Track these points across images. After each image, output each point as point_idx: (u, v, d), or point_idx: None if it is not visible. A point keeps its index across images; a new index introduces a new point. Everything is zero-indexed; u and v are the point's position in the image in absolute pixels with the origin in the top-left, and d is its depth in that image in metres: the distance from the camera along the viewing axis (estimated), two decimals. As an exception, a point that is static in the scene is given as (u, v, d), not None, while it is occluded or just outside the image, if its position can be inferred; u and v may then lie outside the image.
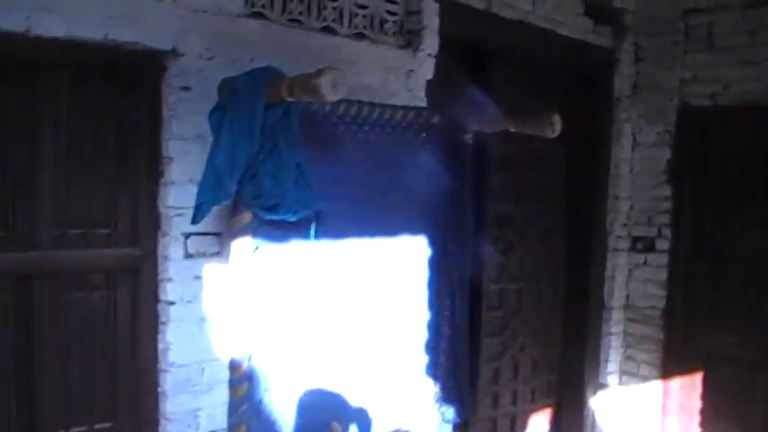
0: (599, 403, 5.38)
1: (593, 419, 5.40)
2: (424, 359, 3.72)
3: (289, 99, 2.63)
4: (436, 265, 3.67)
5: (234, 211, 2.95)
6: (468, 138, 3.60)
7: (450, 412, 3.81)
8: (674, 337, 5.18)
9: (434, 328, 3.72)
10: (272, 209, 2.85)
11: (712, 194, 5.03)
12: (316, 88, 2.46)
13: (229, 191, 2.75)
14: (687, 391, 5.14)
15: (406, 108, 3.50)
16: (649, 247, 5.25)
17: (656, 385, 5.24)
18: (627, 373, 5.42)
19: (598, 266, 5.27)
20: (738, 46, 4.81)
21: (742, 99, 4.81)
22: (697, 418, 5.10)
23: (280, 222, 2.93)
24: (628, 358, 5.41)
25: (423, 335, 3.70)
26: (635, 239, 5.33)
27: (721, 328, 5.02)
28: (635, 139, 5.30)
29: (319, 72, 2.47)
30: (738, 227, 4.94)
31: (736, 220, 4.94)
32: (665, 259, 5.19)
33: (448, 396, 3.79)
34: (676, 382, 5.17)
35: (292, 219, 2.90)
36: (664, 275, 5.20)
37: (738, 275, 4.95)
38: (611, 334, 5.35)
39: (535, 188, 5.18)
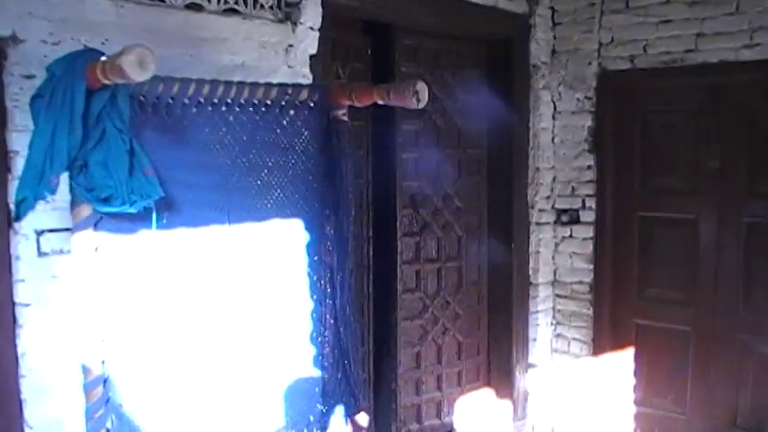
0: (529, 384, 5.16)
1: (524, 400, 5.19)
2: (311, 351, 3.49)
3: (105, 82, 2.38)
4: (315, 250, 3.43)
5: (72, 204, 2.70)
6: (343, 113, 3.35)
7: (340, 407, 3.58)
8: (603, 311, 4.98)
9: (318, 318, 3.48)
10: (107, 201, 2.59)
11: (636, 161, 4.82)
12: (120, 68, 2.21)
13: (51, 184, 2.50)
14: (619, 366, 4.94)
15: (278, 85, 3.24)
16: (574, 219, 5.03)
17: (588, 362, 5.04)
18: (558, 351, 5.21)
19: (522, 242, 5.05)
20: (654, 4, 4.57)
21: (661, 60, 4.59)
22: (632, 395, 4.89)
23: (122, 214, 2.68)
24: (558, 336, 5.21)
25: (308, 326, 3.47)
26: (559, 212, 5.11)
27: (650, 300, 4.83)
28: (555, 107, 5.06)
29: (122, 51, 2.21)
30: (664, 193, 4.74)
31: (662, 186, 4.74)
32: (590, 231, 4.97)
33: (336, 390, 3.55)
34: (608, 358, 4.97)
35: (131, 210, 2.64)
36: (590, 248, 4.99)
37: (665, 244, 4.75)
38: (538, 312, 5.13)
39: (452, 164, 4.94)
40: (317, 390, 3.53)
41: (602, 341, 4.99)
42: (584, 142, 4.94)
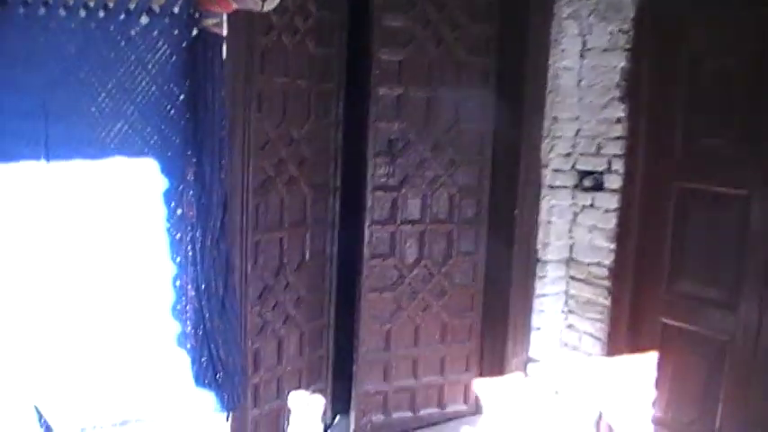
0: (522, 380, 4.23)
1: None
2: (175, 328, 2.77)
3: None
4: (175, 201, 2.68)
5: None
6: (215, 23, 2.58)
7: (212, 399, 2.84)
8: (623, 304, 3.96)
9: (182, 286, 2.74)
10: None
11: (678, 115, 3.72)
12: None
13: None
14: (638, 374, 3.92)
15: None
16: (599, 184, 4.00)
17: (601, 364, 4.05)
18: (568, 346, 4.23)
19: (529, 208, 4.07)
20: None
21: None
22: (650, 411, 3.87)
23: None
24: (569, 327, 4.22)
25: (170, 295, 2.75)
26: (581, 174, 4.08)
27: (682, 296, 3.75)
28: (584, 42, 4.01)
29: None
30: (711, 160, 3.62)
31: (709, 150, 3.63)
32: (614, 201, 3.94)
33: (205, 377, 2.81)
34: (625, 362, 3.96)
35: None
36: (612, 223, 3.95)
37: (707, 226, 3.65)
38: (545, 295, 4.16)
39: (445, 105, 4.03)
40: (181, 375, 2.82)
41: (619, 340, 3.98)
42: (616, 88, 3.88)
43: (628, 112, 3.85)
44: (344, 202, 4.02)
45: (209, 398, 2.85)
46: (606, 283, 3.99)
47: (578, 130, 4.06)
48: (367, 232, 3.91)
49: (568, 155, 4.08)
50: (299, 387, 3.94)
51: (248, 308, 3.34)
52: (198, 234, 2.69)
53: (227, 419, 3.20)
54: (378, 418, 4.13)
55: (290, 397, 3.87)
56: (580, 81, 4.02)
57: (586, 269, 4.08)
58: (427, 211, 4.07)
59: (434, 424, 4.24)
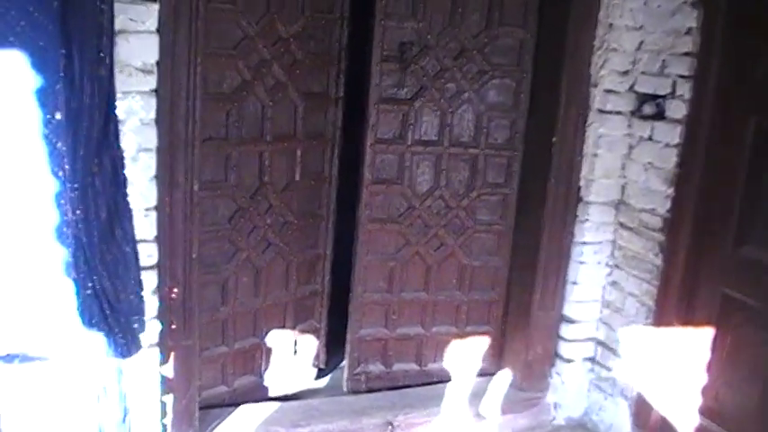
0: (552, 344, 3.54)
1: (548, 367, 3.58)
2: (61, 252, 2.31)
3: None
4: (51, 103, 2.18)
5: None
6: None
7: (102, 342, 2.39)
8: (677, 264, 3.15)
9: (61, 205, 2.27)
10: None
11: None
12: None
13: None
14: (689, 352, 3.15)
15: None
16: (660, 112, 3.16)
17: (645, 334, 3.29)
18: (610, 308, 3.48)
19: (571, 134, 3.29)
20: None
21: None
22: (698, 399, 3.11)
23: None
24: (613, 285, 3.46)
25: (53, 214, 2.28)
26: (642, 98, 3.24)
27: (750, 262, 2.92)
28: (655, -75, 3.12)
29: None
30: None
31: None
32: (676, 135, 3.09)
33: (91, 316, 2.35)
34: (674, 336, 3.19)
35: None
36: (672, 161, 3.12)
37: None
38: (585, 243, 3.41)
39: (475, 1, 3.27)
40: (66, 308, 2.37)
41: (669, 309, 3.19)
42: (689, -14, 3.00)
43: (701, 21, 2.96)
44: (351, 116, 3.41)
45: (99, 340, 2.39)
46: (659, 236, 3.19)
47: (641, 43, 3.20)
48: (368, 152, 3.30)
49: (626, 73, 3.24)
50: (282, 326, 3.45)
51: (191, 234, 2.82)
52: (69, 144, 2.19)
53: (166, 361, 2.79)
54: (376, 367, 3.59)
55: (269, 335, 3.41)
56: (646, -23, 3.15)
57: (638, 216, 3.28)
58: (446, 131, 3.38)
59: (445, 380, 3.65)
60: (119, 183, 2.34)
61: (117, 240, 2.36)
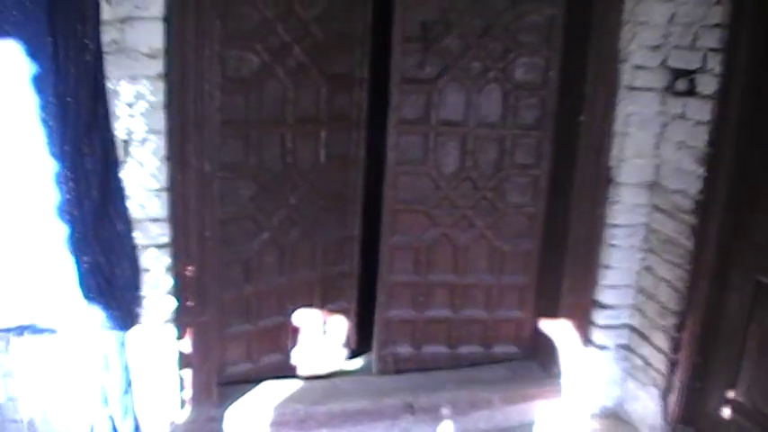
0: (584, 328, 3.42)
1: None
2: (63, 230, 2.41)
3: None
4: (47, 86, 2.28)
5: None
6: None
7: (101, 315, 2.48)
8: (708, 248, 2.99)
9: (60, 184, 2.37)
10: None
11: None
12: None
13: None
14: (718, 341, 3.00)
15: None
16: (693, 88, 3.00)
17: (672, 324, 3.15)
18: (644, 293, 3.34)
19: (598, 113, 3.16)
20: None
21: None
22: (731, 389, 2.96)
23: None
24: (647, 270, 3.31)
25: (53, 193, 2.39)
26: (675, 74, 3.08)
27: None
28: None
29: None
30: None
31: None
32: (707, 111, 2.93)
33: (89, 290, 2.44)
34: (704, 325, 3.04)
35: None
36: (702, 139, 2.96)
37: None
38: (618, 226, 3.28)
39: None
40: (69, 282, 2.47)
41: (700, 295, 3.03)
42: (721, -47, 2.83)
43: (733, -11, 2.80)
44: (377, 98, 3.39)
45: (98, 313, 2.48)
46: (690, 218, 3.03)
47: (673, 15, 3.03)
48: (392, 133, 3.27)
49: (657, 47, 3.08)
50: (310, 305, 3.47)
51: (204, 213, 2.88)
52: (57, 127, 2.27)
53: (182, 337, 2.86)
54: (404, 350, 3.57)
55: (295, 314, 3.44)
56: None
57: (671, 198, 3.13)
58: (471, 111, 3.31)
59: (476, 364, 3.60)
60: (110, 163, 2.42)
61: (110, 218, 2.44)
